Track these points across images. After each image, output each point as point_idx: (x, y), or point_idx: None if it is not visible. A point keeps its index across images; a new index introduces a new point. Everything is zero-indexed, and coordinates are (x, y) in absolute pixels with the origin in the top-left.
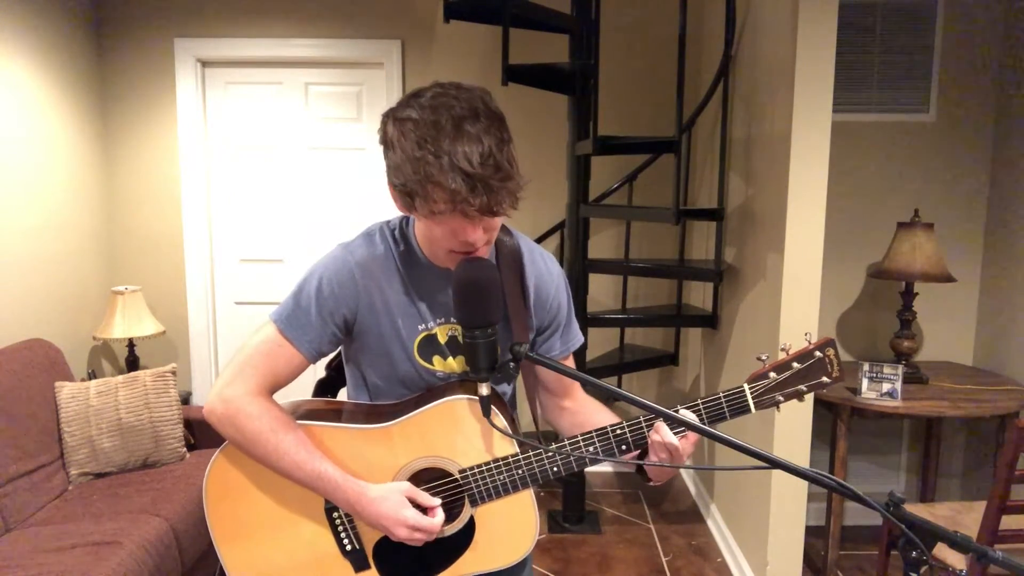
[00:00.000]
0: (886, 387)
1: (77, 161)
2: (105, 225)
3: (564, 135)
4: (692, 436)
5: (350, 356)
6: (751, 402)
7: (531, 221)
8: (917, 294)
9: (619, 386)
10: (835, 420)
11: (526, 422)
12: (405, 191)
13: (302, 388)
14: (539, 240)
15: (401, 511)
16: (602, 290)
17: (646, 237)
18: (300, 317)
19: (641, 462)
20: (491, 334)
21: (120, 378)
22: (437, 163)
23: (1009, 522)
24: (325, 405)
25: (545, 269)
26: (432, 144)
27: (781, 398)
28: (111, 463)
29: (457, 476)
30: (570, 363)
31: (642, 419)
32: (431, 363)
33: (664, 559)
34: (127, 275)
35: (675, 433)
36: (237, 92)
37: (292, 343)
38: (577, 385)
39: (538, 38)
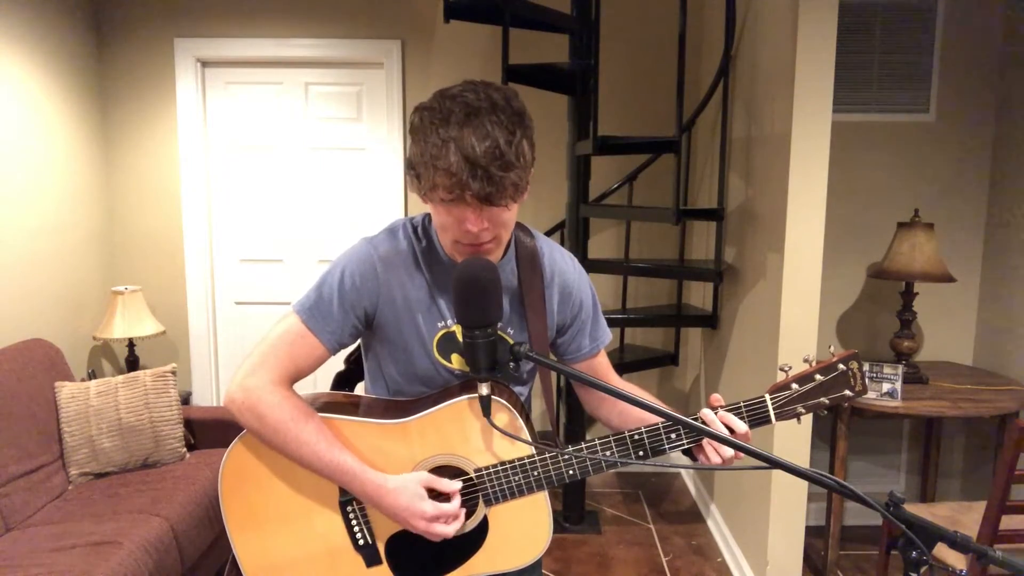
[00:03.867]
0: (886, 387)
1: (77, 161)
2: (105, 225)
3: (564, 135)
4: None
5: (369, 350)
6: (772, 413)
7: (531, 221)
8: (917, 294)
9: None
10: (835, 420)
11: (538, 414)
12: (415, 174)
13: (320, 381)
14: None
15: (420, 503)
16: (602, 290)
17: (646, 237)
18: (322, 308)
19: (655, 464)
20: (490, 334)
21: (120, 378)
22: (444, 147)
23: (1009, 522)
24: (343, 398)
25: (566, 267)
26: (443, 129)
27: (803, 410)
28: (111, 463)
29: (472, 475)
30: (602, 359)
31: (660, 426)
32: (450, 360)
33: (664, 559)
34: (127, 275)
35: (683, 439)
36: (237, 92)
37: (314, 334)
38: (608, 374)
39: (538, 38)
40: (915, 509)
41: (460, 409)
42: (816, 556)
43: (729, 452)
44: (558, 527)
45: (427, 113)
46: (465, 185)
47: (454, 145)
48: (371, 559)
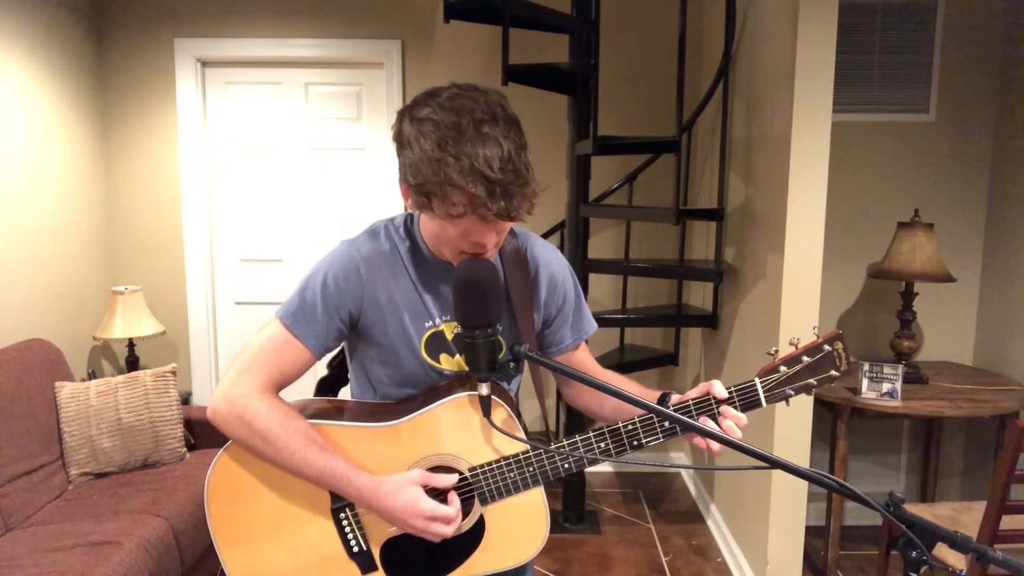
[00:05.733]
0: (886, 387)
1: (77, 161)
2: (105, 225)
3: (564, 135)
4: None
5: (355, 354)
6: (762, 396)
7: (531, 221)
8: (917, 294)
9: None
10: (835, 420)
11: (534, 418)
12: (422, 191)
13: (303, 387)
14: None
15: (418, 502)
16: (602, 290)
17: (646, 237)
18: (306, 313)
19: (655, 464)
20: (490, 334)
21: (120, 378)
22: (457, 165)
23: (1009, 522)
24: (330, 404)
25: (549, 259)
26: (453, 146)
27: (791, 392)
28: (111, 463)
29: (467, 474)
30: (583, 351)
31: (655, 418)
32: (438, 361)
33: (664, 559)
34: (127, 275)
35: (676, 428)
36: (237, 92)
37: (298, 339)
38: (588, 364)
39: (538, 38)
40: (915, 509)
41: (451, 409)
42: (816, 556)
43: (716, 446)
44: (558, 527)
45: (429, 125)
46: (484, 204)
47: (469, 163)
48: (366, 566)
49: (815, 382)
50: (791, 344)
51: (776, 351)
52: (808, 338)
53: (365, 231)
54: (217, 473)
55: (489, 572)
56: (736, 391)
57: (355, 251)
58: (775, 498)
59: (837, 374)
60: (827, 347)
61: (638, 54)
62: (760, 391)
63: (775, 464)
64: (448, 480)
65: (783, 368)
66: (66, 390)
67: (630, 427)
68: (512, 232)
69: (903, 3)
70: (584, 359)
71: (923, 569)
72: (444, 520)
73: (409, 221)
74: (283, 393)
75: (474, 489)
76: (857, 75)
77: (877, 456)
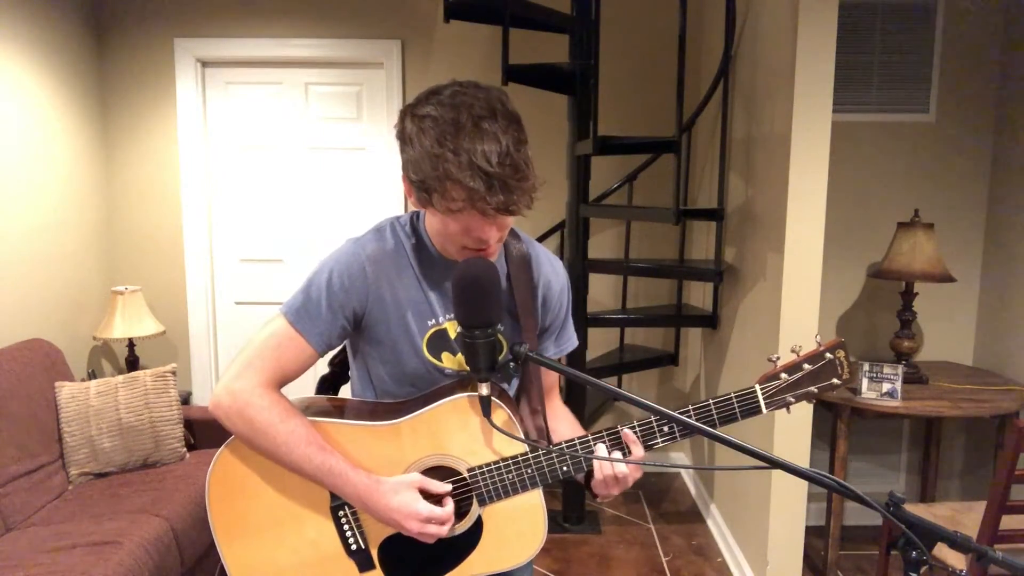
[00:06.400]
0: (886, 387)
1: (77, 161)
2: (105, 225)
3: (564, 135)
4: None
5: (358, 352)
6: (762, 403)
7: (531, 221)
8: (917, 294)
9: (619, 386)
10: (835, 420)
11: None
12: (423, 187)
13: (304, 384)
14: (539, 240)
15: (414, 504)
16: (602, 290)
17: (646, 237)
18: (310, 310)
19: (655, 464)
20: (491, 334)
21: (120, 378)
22: (456, 160)
23: (1009, 522)
24: (332, 402)
25: (553, 272)
26: (451, 141)
27: (792, 399)
28: (111, 463)
29: (465, 475)
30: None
31: (654, 420)
32: (440, 359)
33: (664, 559)
34: (127, 275)
35: (676, 433)
36: (237, 92)
37: (302, 335)
38: (555, 391)
39: (538, 38)
40: (915, 509)
41: (451, 409)
42: (816, 556)
43: (622, 468)
44: (558, 527)
45: (428, 121)
46: (483, 198)
47: (467, 158)
48: (364, 564)
49: (816, 390)
50: (792, 351)
51: (778, 358)
52: (810, 345)
53: (371, 229)
54: (218, 469)
55: (486, 573)
56: (737, 397)
57: (361, 250)
58: (775, 498)
59: (839, 382)
60: (829, 355)
61: (638, 54)
62: (760, 398)
63: (775, 464)
64: (443, 487)
65: (784, 375)
66: (66, 390)
67: (628, 431)
68: (519, 237)
69: (903, 3)
70: (552, 377)
71: (923, 569)
72: (438, 523)
73: (415, 219)
74: (284, 390)
75: (472, 490)
76: (857, 75)
77: (877, 456)
